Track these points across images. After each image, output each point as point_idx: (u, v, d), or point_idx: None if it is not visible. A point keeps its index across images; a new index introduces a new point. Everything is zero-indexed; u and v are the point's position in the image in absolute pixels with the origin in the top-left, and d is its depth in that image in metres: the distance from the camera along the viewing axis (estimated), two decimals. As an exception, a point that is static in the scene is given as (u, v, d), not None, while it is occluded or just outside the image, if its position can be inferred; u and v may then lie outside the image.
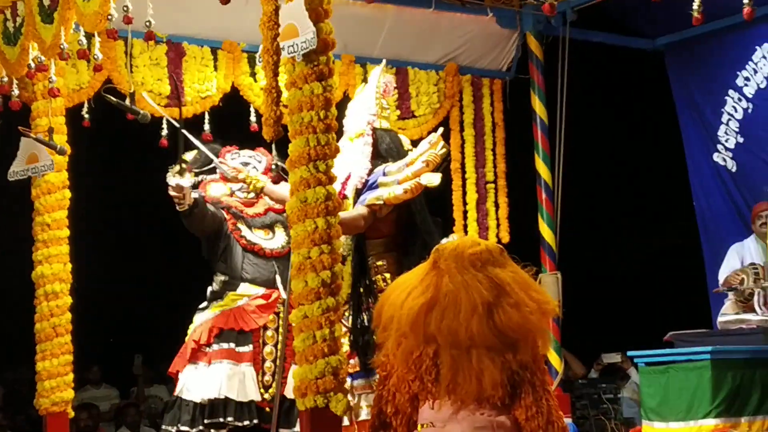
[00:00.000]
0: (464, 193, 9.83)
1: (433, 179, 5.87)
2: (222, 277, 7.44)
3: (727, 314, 8.39)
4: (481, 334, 3.65)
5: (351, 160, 6.00)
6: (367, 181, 5.98)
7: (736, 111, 10.17)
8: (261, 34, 4.98)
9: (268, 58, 4.79)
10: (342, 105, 8.69)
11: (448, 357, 3.68)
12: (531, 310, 3.73)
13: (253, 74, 8.83)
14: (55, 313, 7.53)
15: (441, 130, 6.16)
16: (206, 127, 8.70)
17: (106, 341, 11.47)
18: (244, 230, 7.47)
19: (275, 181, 6.50)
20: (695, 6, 6.20)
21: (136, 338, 11.14)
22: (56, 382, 7.52)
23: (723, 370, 6.95)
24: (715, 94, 10.33)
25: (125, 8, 5.97)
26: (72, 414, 7.71)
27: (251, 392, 7.23)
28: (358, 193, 5.93)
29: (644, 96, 10.74)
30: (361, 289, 5.79)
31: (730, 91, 10.19)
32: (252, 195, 7.44)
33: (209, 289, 7.48)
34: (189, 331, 7.41)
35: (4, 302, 10.13)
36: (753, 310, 8.19)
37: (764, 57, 9.90)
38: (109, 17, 6.02)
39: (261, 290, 7.37)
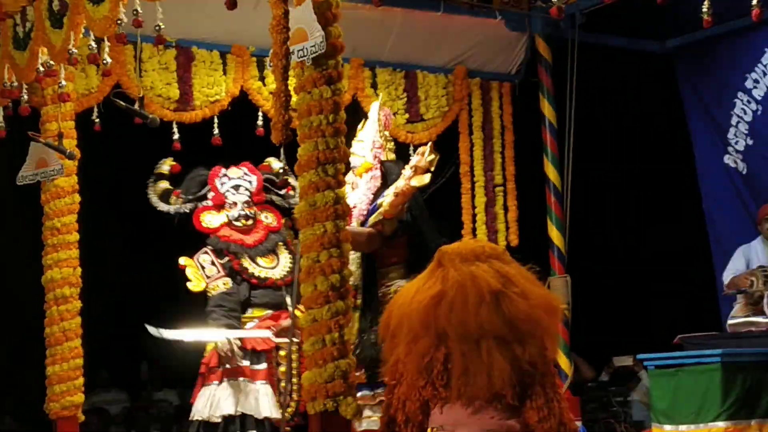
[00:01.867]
0: (473, 197, 9.83)
1: (423, 179, 5.93)
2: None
3: (737, 317, 8.38)
4: (490, 323, 3.64)
5: (359, 193, 6.11)
6: (369, 211, 6.06)
7: (745, 113, 10.16)
8: (270, 38, 4.99)
9: (277, 62, 4.80)
10: (351, 108, 8.75)
11: (458, 355, 3.68)
12: (538, 302, 3.73)
13: (261, 78, 8.84)
14: (65, 317, 7.54)
15: (430, 143, 6.22)
16: (215, 131, 8.72)
17: (115, 345, 11.47)
18: (250, 266, 7.46)
19: (281, 186, 6.50)
20: (705, 8, 6.20)
21: (144, 342, 11.14)
22: (66, 386, 7.54)
23: (733, 372, 6.95)
24: (725, 96, 10.32)
25: (135, 12, 5.98)
26: (82, 418, 7.72)
27: (265, 409, 7.24)
28: (362, 225, 6.06)
29: (653, 98, 10.72)
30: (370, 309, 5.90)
31: (740, 94, 10.17)
32: (250, 222, 7.46)
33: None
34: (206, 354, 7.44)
35: (14, 306, 10.14)
36: (762, 313, 8.18)
37: (773, 59, 9.90)
38: (119, 22, 6.03)
39: (269, 312, 7.39)
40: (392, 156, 6.48)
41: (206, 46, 8.68)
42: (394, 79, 9.53)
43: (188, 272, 7.47)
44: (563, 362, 9.05)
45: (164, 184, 7.74)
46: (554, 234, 9.51)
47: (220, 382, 7.28)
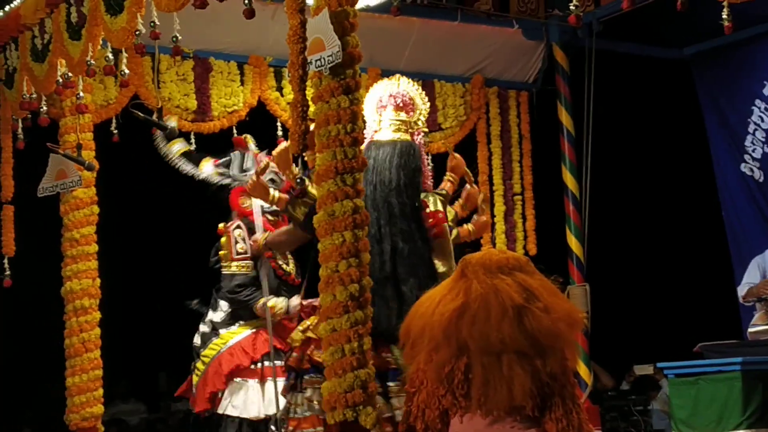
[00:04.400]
0: (492, 206, 9.81)
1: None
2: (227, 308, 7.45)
3: (758, 325, 8.34)
4: (512, 338, 3.64)
5: None
6: None
7: (762, 121, 10.13)
8: (287, 48, 4.99)
9: (295, 72, 4.79)
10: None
11: (479, 366, 3.67)
12: (560, 316, 3.72)
13: (279, 88, 8.86)
14: (85, 329, 7.55)
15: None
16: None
17: (134, 356, 11.50)
18: (279, 258, 7.45)
19: (297, 195, 6.45)
20: (725, 14, 6.17)
21: (162, 353, 11.17)
22: (86, 397, 7.55)
23: (754, 381, 6.91)
24: (742, 103, 10.29)
25: (152, 24, 6.00)
26: (102, 429, 7.72)
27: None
28: None
29: (671, 106, 10.70)
30: None
31: (757, 101, 10.15)
32: (278, 218, 7.41)
33: (229, 308, 7.45)
34: (218, 347, 7.37)
35: (34, 318, 10.17)
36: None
37: (791, 66, 9.87)
38: (137, 33, 6.05)
39: None
40: None
41: (224, 56, 8.71)
42: (412, 89, 9.53)
43: (222, 240, 7.42)
44: (583, 371, 9.03)
45: (179, 145, 7.65)
46: (573, 242, 9.49)
47: (263, 380, 7.28)
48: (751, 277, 8.95)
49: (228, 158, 7.63)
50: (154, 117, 6.75)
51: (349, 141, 4.71)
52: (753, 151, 10.20)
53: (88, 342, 7.55)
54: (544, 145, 9.95)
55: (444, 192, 6.11)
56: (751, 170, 10.21)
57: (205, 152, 7.94)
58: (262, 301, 7.28)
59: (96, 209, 7.67)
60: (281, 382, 6.73)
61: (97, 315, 7.61)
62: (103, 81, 8.03)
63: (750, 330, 8.09)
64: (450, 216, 6.09)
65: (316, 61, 4.70)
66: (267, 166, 6.78)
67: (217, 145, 8.64)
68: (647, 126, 11.04)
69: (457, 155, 6.27)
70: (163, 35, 6.09)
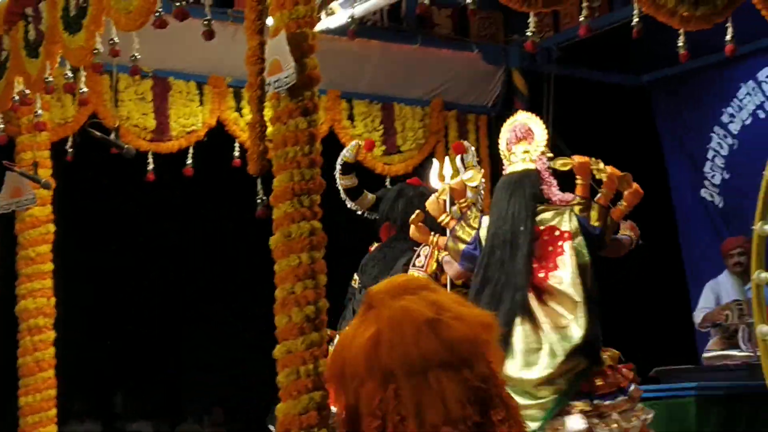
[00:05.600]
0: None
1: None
2: None
3: (712, 350, 8.39)
4: (432, 351, 3.63)
5: None
6: None
7: (721, 147, 10.21)
8: (247, 68, 4.99)
9: (253, 93, 4.80)
10: (327, 140, 8.75)
11: (408, 389, 3.67)
12: (473, 322, 3.73)
13: (238, 109, 8.85)
14: (39, 348, 7.48)
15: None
16: (189, 161, 8.71)
17: (90, 375, 11.42)
18: None
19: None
20: (681, 42, 6.23)
21: (118, 372, 11.10)
22: (39, 417, 7.46)
23: (708, 406, 6.95)
24: (701, 130, 10.38)
25: (111, 42, 5.98)
26: (55, 449, 7.65)
27: None
28: None
29: (629, 132, 10.76)
30: None
31: (716, 128, 10.24)
32: None
33: None
34: None
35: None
36: (738, 347, 8.19)
37: (749, 94, 9.96)
38: (95, 51, 6.03)
39: None
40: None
41: (183, 76, 8.70)
42: (371, 111, 9.55)
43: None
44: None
45: (350, 180, 7.65)
46: (531, 265, 9.49)
47: None
48: (706, 302, 9.02)
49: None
50: (112, 136, 6.72)
51: (306, 162, 4.70)
52: (712, 177, 10.28)
53: (42, 361, 7.48)
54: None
55: (578, 199, 6.14)
56: (711, 196, 10.28)
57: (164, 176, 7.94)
58: None
59: (52, 228, 7.61)
60: None
61: (52, 334, 7.54)
62: (61, 99, 8.00)
63: (705, 355, 8.14)
64: (595, 215, 6.14)
65: (274, 82, 4.70)
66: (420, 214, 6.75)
67: (175, 164, 8.64)
68: (605, 152, 10.98)
69: (575, 158, 6.26)
70: (123, 54, 6.07)
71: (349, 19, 7.44)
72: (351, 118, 9.45)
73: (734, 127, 10.11)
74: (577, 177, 6.19)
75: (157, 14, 5.49)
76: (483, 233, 5.98)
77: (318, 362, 4.68)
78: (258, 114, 4.87)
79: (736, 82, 10.03)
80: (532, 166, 6.06)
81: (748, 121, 10.01)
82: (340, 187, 7.57)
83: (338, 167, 7.47)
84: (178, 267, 10.16)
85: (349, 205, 7.58)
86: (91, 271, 10.89)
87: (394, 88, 9.66)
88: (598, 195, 6.23)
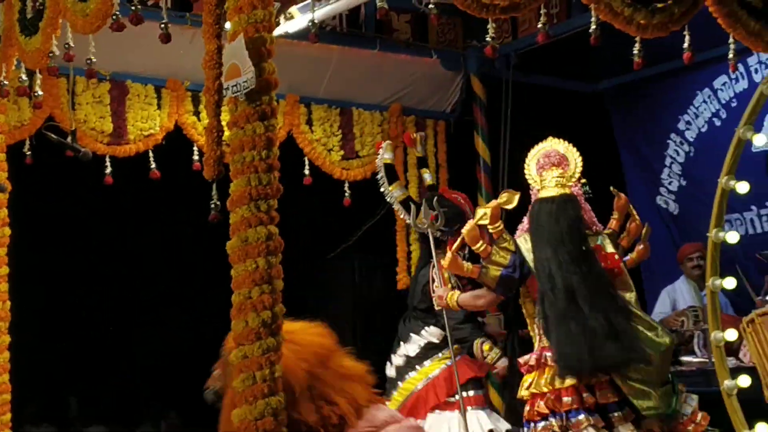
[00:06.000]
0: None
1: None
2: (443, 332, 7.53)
3: (668, 356, 8.43)
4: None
5: None
6: None
7: (678, 154, 10.28)
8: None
9: (210, 98, 4.78)
10: (285, 145, 8.74)
11: (327, 387, 3.94)
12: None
13: (196, 113, 8.83)
14: (-7, 352, 7.43)
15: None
16: (152, 165, 8.68)
17: (44, 379, 11.34)
18: None
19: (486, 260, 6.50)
20: (636, 50, 6.27)
21: (73, 376, 11.03)
22: (-7, 422, 7.42)
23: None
24: (658, 137, 10.45)
25: (67, 46, 5.94)
26: (9, 454, 7.60)
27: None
28: None
29: (587, 139, 10.74)
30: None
31: (672, 135, 10.30)
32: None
33: (423, 341, 7.61)
34: (417, 380, 7.55)
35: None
36: (693, 353, 8.25)
37: (705, 101, 10.03)
38: (51, 54, 5.98)
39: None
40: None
41: (141, 80, 8.66)
42: (330, 116, 9.55)
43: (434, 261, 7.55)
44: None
45: (399, 191, 7.67)
46: (488, 272, 9.51)
47: (465, 410, 7.39)
48: (662, 307, 9.08)
49: (444, 216, 7.67)
50: (69, 140, 6.68)
51: (264, 167, 4.68)
52: (669, 184, 10.35)
53: (-4, 366, 7.43)
54: (461, 175, 10.00)
55: (610, 231, 6.50)
56: (666, 203, 10.35)
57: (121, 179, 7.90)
58: (478, 341, 7.48)
59: (7, 231, 7.54)
60: (476, 411, 7.37)
61: (6, 338, 7.48)
62: (17, 102, 7.95)
63: (660, 361, 8.17)
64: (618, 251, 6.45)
65: (232, 86, 4.68)
66: (462, 241, 6.75)
67: (133, 168, 8.59)
68: (563, 158, 11.11)
69: (621, 195, 6.66)
70: (79, 57, 6.03)
71: (309, 24, 7.43)
72: (309, 123, 9.44)
73: (690, 135, 10.18)
74: (616, 212, 6.56)
75: (114, 17, 5.46)
76: (527, 255, 6.10)
77: (274, 367, 4.67)
78: (214, 118, 4.85)
79: (692, 90, 10.10)
80: (567, 191, 6.32)
81: (704, 129, 10.08)
82: (392, 200, 7.60)
83: (382, 176, 7.51)
84: (135, 271, 10.10)
85: (407, 220, 7.61)
86: (45, 274, 10.81)
87: (353, 93, 9.67)
88: (621, 237, 6.42)
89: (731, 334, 5.75)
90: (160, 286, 10.03)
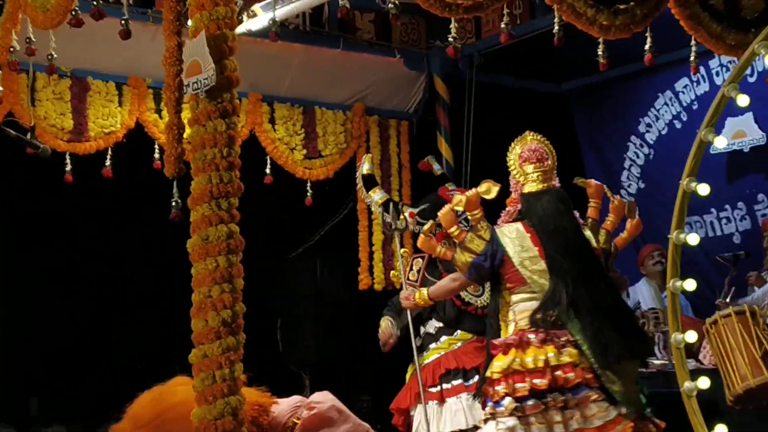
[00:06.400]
0: (370, 234, 9.83)
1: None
2: (438, 324, 7.47)
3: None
4: None
5: None
6: None
7: (638, 157, 10.31)
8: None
9: (171, 95, 4.74)
10: (248, 144, 8.71)
11: None
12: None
13: (158, 110, 8.78)
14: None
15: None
16: (107, 162, 8.63)
17: (4, 380, 11.25)
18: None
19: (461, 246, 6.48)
20: (600, 51, 6.28)
21: (34, 377, 10.95)
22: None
23: (623, 413, 6.98)
24: (618, 139, 10.48)
25: (28, 41, 5.90)
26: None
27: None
28: None
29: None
30: None
31: (633, 137, 10.34)
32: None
33: (422, 330, 7.54)
34: (410, 371, 7.49)
35: None
36: (654, 354, 8.27)
37: (666, 104, 10.07)
38: (11, 49, 5.94)
39: (474, 336, 7.39)
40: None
41: (102, 76, 8.61)
42: (293, 115, 9.52)
43: (400, 262, 7.54)
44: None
45: (379, 195, 7.64)
46: (450, 272, 9.52)
47: (442, 401, 7.34)
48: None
49: (425, 206, 7.65)
50: (28, 136, 6.62)
51: (225, 165, 4.66)
52: (628, 186, 10.38)
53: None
54: (424, 175, 9.98)
55: (591, 220, 6.42)
56: (626, 205, 10.38)
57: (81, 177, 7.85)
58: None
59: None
60: (454, 400, 7.26)
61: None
62: (-24, 98, 7.88)
63: (621, 363, 8.19)
64: (602, 239, 6.41)
65: (193, 83, 4.65)
66: (433, 225, 6.74)
67: (94, 165, 8.53)
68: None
69: (589, 181, 6.54)
70: (40, 53, 5.99)
71: (271, 22, 7.40)
72: (272, 121, 9.41)
73: (651, 137, 10.22)
74: (591, 199, 6.44)
75: (74, 13, 5.42)
76: (509, 246, 6.08)
77: (234, 367, 4.64)
78: (175, 116, 4.82)
79: (654, 92, 10.14)
80: (553, 185, 6.33)
81: (664, 131, 10.12)
82: (372, 204, 7.59)
83: (360, 186, 7.51)
84: (94, 268, 10.03)
85: (388, 219, 7.60)
86: (5, 274, 10.72)
87: (316, 92, 9.64)
88: (605, 221, 6.38)
89: (691, 336, 5.75)
90: (138, 285, 9.97)
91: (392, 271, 8.85)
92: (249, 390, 4.90)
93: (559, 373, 5.86)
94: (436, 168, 8.15)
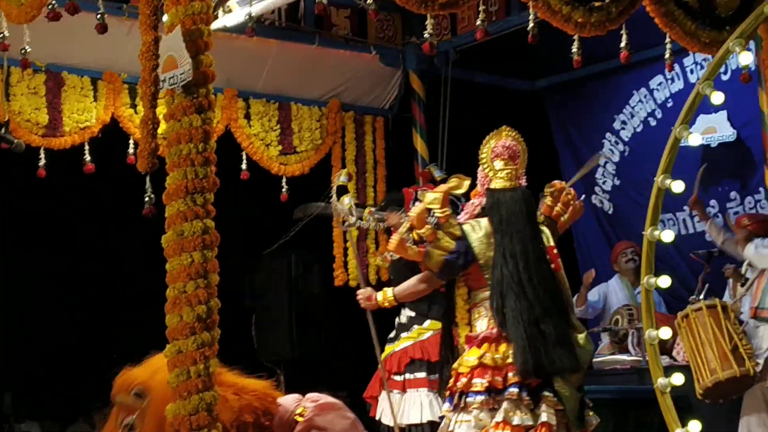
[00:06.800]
0: (345, 231, 9.81)
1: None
2: (410, 313, 7.55)
3: (603, 354, 8.50)
4: None
5: None
6: None
7: (613, 153, 10.35)
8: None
9: (146, 89, 4.73)
10: (223, 139, 8.69)
11: None
12: None
13: (133, 105, 8.76)
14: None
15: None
16: (87, 157, 8.60)
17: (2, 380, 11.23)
18: None
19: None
20: (575, 48, 6.30)
21: (7, 373, 10.91)
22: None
23: (598, 409, 6.98)
24: (593, 136, 10.51)
25: (1, 35, 5.87)
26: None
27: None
28: None
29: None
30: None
31: (608, 134, 10.37)
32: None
33: (396, 320, 7.62)
34: (381, 359, 7.45)
35: None
36: (627, 351, 8.31)
37: (641, 101, 10.10)
38: (-15, 44, 5.92)
39: None
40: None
41: (77, 71, 8.57)
42: (268, 111, 9.51)
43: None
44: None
45: (348, 199, 7.62)
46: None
47: (404, 392, 7.43)
48: (592, 297, 9.17)
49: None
50: (2, 131, 6.59)
51: (200, 160, 4.65)
52: (603, 183, 10.41)
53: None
54: (399, 171, 10.00)
55: (542, 217, 6.35)
56: (601, 202, 10.41)
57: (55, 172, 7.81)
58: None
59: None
60: (415, 394, 7.37)
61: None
62: (-50, 92, 7.85)
63: (595, 359, 8.22)
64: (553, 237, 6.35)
65: (169, 78, 4.64)
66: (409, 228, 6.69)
67: (63, 161, 8.49)
68: (500, 155, 11.14)
69: (556, 183, 6.47)
70: (14, 47, 5.97)
71: (247, 18, 7.40)
72: (248, 117, 9.39)
73: (626, 134, 10.25)
74: (551, 198, 6.39)
75: (50, 7, 5.40)
76: (476, 243, 6.06)
77: (209, 362, 4.64)
78: (150, 110, 4.80)
79: (628, 90, 10.17)
80: (520, 184, 6.27)
81: (639, 129, 10.16)
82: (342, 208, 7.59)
83: (332, 195, 7.49)
84: (66, 264, 10.01)
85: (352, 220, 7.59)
86: (13, 273, 10.69)
87: (292, 88, 9.63)
88: (554, 210, 6.39)
89: (665, 333, 5.78)
90: (138, 285, 9.95)
91: (378, 258, 8.86)
92: (255, 381, 4.93)
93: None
94: (438, 174, 8.17)
